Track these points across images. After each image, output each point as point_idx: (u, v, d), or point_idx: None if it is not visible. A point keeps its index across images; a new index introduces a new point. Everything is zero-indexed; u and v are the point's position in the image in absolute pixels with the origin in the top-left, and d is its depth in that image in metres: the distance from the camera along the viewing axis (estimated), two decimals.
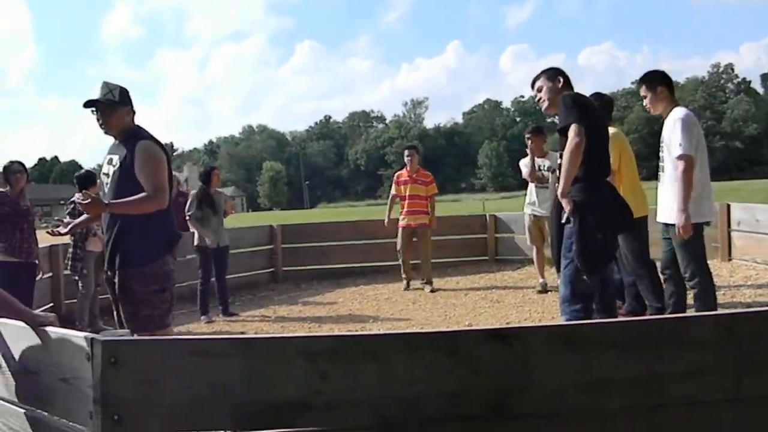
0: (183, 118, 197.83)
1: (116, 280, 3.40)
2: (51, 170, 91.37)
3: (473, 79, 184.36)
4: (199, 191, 7.06)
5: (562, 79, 3.95)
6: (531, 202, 7.19)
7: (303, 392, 1.87)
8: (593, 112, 3.89)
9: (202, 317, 6.92)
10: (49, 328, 2.16)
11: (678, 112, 4.41)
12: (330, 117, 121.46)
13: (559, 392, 1.95)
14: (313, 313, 7.05)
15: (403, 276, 8.02)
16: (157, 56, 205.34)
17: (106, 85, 3.45)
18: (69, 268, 6.64)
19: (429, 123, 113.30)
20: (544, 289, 7.10)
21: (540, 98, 4.03)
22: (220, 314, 7.10)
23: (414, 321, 6.33)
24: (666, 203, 4.50)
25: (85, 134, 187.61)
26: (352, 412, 1.90)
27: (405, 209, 7.94)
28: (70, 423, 2.08)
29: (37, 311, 2.72)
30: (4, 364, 2.36)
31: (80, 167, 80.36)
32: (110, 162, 3.51)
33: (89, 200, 3.32)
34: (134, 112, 3.54)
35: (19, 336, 2.27)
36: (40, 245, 6.03)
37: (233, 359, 1.87)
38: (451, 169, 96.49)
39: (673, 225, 4.39)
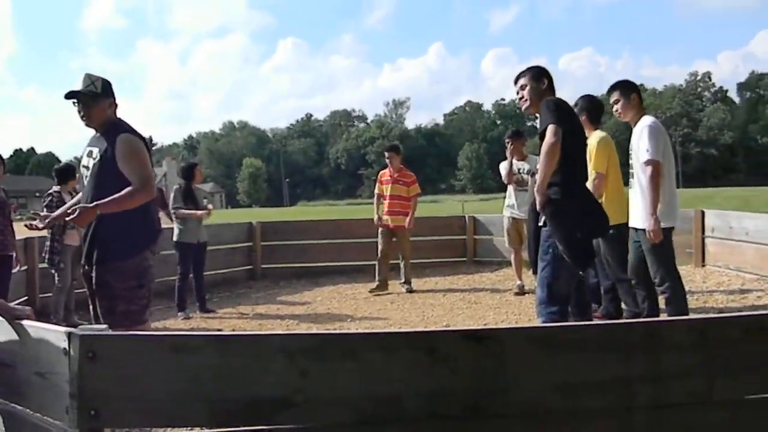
0: (163, 112, 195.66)
1: (93, 275, 3.36)
2: (27, 161, 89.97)
3: (455, 81, 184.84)
4: (184, 186, 7.01)
5: (546, 81, 3.93)
6: (510, 205, 7.24)
7: (283, 390, 1.88)
8: (575, 118, 3.94)
9: (180, 313, 6.86)
10: (25, 322, 2.14)
11: (646, 120, 4.56)
12: (311, 115, 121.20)
13: (536, 393, 1.98)
14: (291, 312, 7.02)
15: (378, 278, 7.87)
16: (139, 49, 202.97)
17: (88, 76, 3.40)
18: (46, 261, 6.55)
19: (410, 123, 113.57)
20: (522, 291, 7.14)
21: (522, 96, 4.00)
22: (197, 311, 7.05)
23: (392, 321, 6.33)
24: (636, 208, 4.62)
25: (62, 126, 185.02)
26: (332, 410, 1.92)
27: (386, 209, 7.89)
28: (46, 417, 2.06)
29: (12, 304, 2.68)
30: None
31: (57, 159, 79.29)
32: (90, 155, 3.46)
33: (77, 212, 3.24)
34: (116, 105, 3.49)
35: None
36: (16, 237, 5.95)
37: (212, 356, 1.87)
38: (431, 169, 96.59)
39: (644, 230, 4.48)
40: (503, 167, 7.27)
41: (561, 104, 3.82)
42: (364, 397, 1.93)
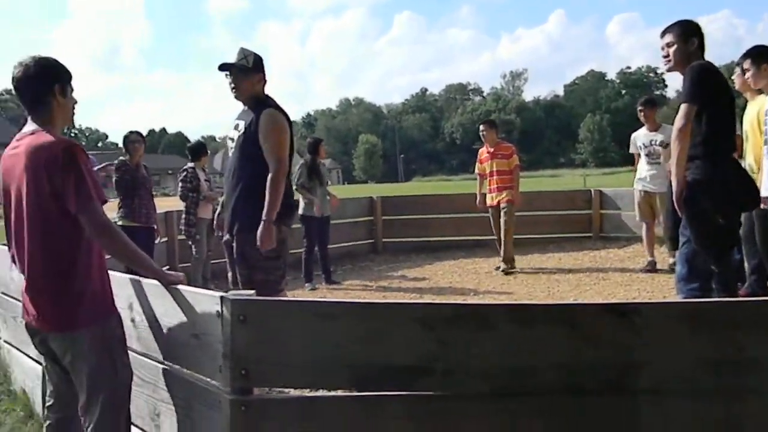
0: (283, 91, 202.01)
1: (234, 245, 3.54)
2: (159, 141, 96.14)
3: (577, 50, 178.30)
4: (309, 162, 7.22)
5: (696, 41, 3.63)
6: (641, 178, 6.89)
7: (421, 358, 1.91)
8: (721, 87, 3.62)
9: (307, 284, 7.14)
10: (180, 287, 2.29)
11: None
12: (426, 89, 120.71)
13: (679, 370, 1.91)
14: (413, 285, 7.11)
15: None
16: (261, 30, 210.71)
17: (242, 50, 3.56)
18: (183, 233, 7.00)
19: (528, 95, 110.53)
20: (653, 268, 6.82)
21: (666, 55, 3.71)
22: (323, 282, 7.30)
23: (516, 295, 6.25)
24: None
25: (190, 106, 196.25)
26: (468, 379, 1.93)
27: (489, 187, 7.62)
28: (199, 376, 2.21)
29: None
30: (137, 319, 2.53)
31: (187, 138, 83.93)
32: (236, 127, 3.61)
33: (260, 240, 3.40)
34: (265, 81, 3.62)
35: (153, 293, 2.42)
36: (157, 211, 6.39)
37: (354, 323, 1.93)
38: (550, 143, 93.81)
39: None
40: (635, 139, 6.95)
41: (703, 74, 3.52)
42: (501, 368, 1.92)
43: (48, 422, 2.50)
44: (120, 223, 5.93)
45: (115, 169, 6.01)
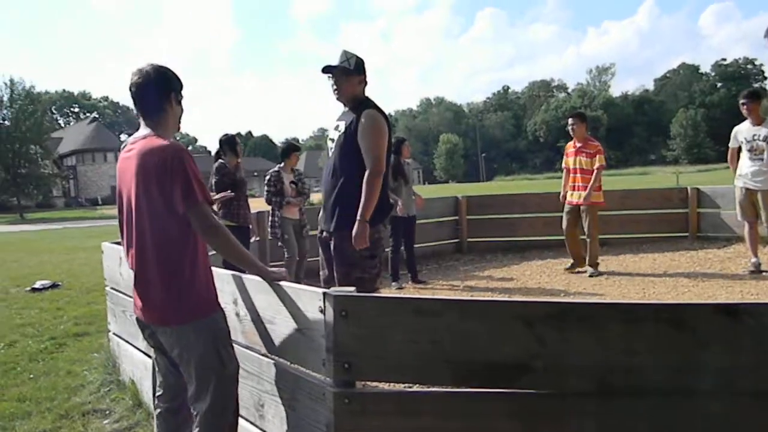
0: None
1: (332, 242, 3.63)
2: (246, 144, 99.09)
3: (668, 43, 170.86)
4: (393, 161, 7.24)
5: None
6: (743, 174, 6.54)
7: (520, 355, 1.91)
8: None
9: (393, 283, 7.20)
10: (283, 283, 2.37)
11: None
12: (508, 87, 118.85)
13: None
14: (501, 285, 7.03)
15: (571, 255, 7.50)
16: (343, 30, 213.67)
17: (344, 53, 3.64)
18: (271, 234, 7.19)
19: (616, 91, 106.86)
20: (758, 269, 6.48)
21: None
22: (409, 281, 7.34)
23: (608, 297, 6.06)
24: None
25: (275, 110, 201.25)
26: (570, 377, 1.91)
27: (572, 183, 7.32)
28: (303, 369, 2.28)
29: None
30: (242, 313, 2.63)
31: (272, 141, 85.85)
32: (337, 128, 3.71)
33: (355, 239, 3.46)
34: (366, 83, 3.70)
35: (257, 289, 2.52)
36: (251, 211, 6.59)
37: (453, 319, 1.95)
38: (640, 139, 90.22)
39: None
40: (736, 134, 6.59)
41: None
42: (604, 367, 1.90)
43: (158, 411, 2.64)
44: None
45: (215, 171, 6.25)
